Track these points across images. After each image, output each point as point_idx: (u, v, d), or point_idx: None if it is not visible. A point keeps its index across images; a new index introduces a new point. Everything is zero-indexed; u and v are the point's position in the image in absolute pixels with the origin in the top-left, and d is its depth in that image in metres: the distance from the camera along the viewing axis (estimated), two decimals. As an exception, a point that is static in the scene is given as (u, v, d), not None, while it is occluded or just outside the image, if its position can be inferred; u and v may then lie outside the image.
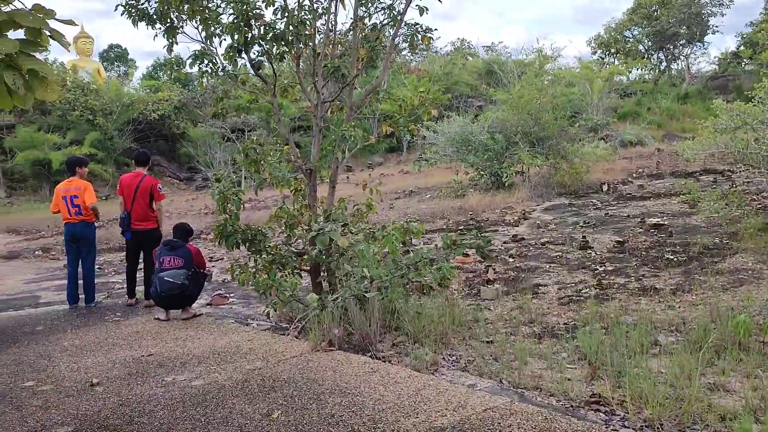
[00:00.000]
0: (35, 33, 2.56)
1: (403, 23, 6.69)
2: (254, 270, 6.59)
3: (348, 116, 6.83)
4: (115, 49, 63.40)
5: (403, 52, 37.03)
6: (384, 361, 5.12)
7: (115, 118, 35.46)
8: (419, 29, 6.68)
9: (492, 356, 5.26)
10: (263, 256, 6.65)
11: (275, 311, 6.55)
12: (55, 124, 34.92)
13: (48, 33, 2.49)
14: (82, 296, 8.01)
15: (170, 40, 6.95)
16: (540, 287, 7.89)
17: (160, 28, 6.92)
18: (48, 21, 2.51)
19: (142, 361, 5.38)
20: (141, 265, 8.11)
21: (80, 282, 7.99)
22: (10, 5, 2.45)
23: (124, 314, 7.34)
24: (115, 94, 37.02)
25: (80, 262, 7.82)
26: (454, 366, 5.08)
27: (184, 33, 6.96)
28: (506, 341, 5.61)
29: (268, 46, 6.33)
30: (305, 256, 6.77)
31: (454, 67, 42.36)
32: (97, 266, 13.77)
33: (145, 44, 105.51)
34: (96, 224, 8.02)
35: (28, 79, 2.51)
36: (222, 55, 6.51)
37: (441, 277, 6.16)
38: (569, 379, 4.50)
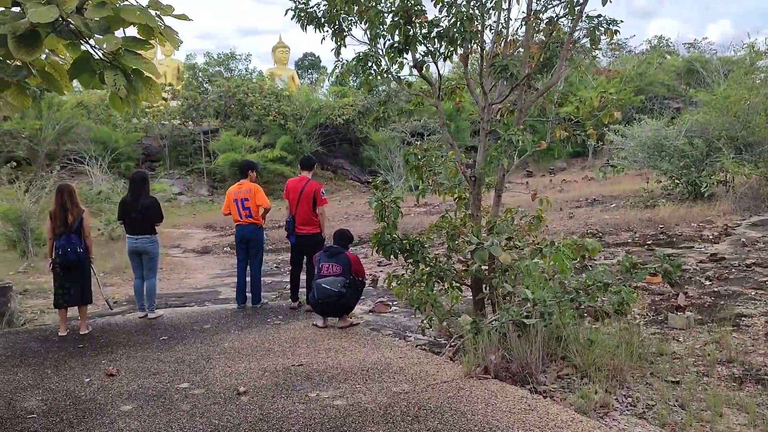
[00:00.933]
0: (147, 31, 2.41)
1: (584, 15, 5.98)
2: (411, 282, 6.26)
3: (517, 119, 6.25)
4: (309, 58, 67.28)
5: (594, 53, 35.00)
6: (545, 397, 4.50)
7: (304, 123, 37.37)
8: (603, 22, 5.92)
9: (677, 402, 4.45)
10: (421, 267, 6.30)
11: (430, 327, 6.16)
12: (252, 129, 37.55)
13: (161, 28, 2.33)
14: (250, 295, 8.20)
15: (338, 43, 6.84)
16: (743, 318, 6.73)
17: (327, 31, 6.84)
18: (163, 17, 2.35)
19: (291, 371, 5.24)
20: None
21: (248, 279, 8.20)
22: (120, 1, 2.30)
23: (285, 318, 7.36)
24: (305, 100, 39.05)
25: (248, 264, 8.00)
26: (628, 410, 4.34)
27: (352, 35, 6.82)
28: (697, 384, 4.75)
29: (431, 45, 5.96)
30: (466, 270, 6.31)
31: (650, 67, 39.30)
32: (274, 265, 14.46)
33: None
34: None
35: (133, 80, 2.36)
36: (383, 55, 6.25)
37: (619, 301, 5.38)
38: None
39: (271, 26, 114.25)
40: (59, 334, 6.83)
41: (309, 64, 66.98)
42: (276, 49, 53.75)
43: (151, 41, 2.38)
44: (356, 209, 25.96)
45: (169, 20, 2.35)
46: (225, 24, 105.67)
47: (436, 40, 5.88)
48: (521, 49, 6.57)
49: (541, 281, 5.30)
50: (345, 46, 6.89)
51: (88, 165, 29.57)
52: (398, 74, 6.41)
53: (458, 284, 6.37)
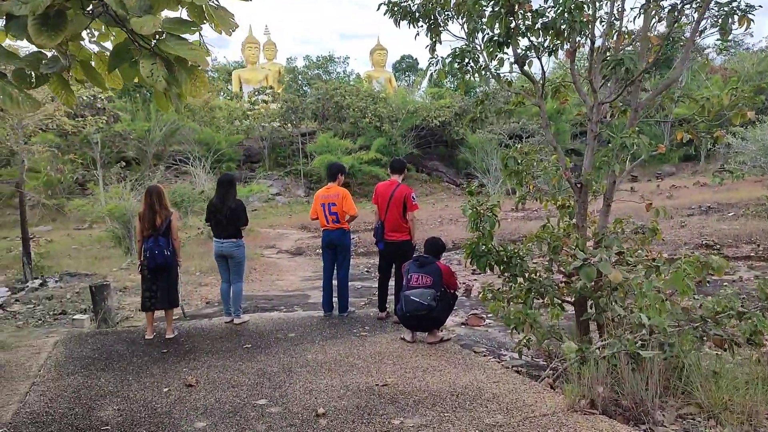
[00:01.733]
0: (196, 11, 2.06)
1: (713, 1, 5.24)
2: (508, 297, 5.73)
3: (631, 120, 5.59)
4: (407, 60, 67.23)
5: (706, 50, 32.73)
6: (663, 441, 3.88)
7: (400, 125, 37.18)
8: (736, 7, 5.16)
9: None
10: (519, 281, 5.76)
11: (528, 349, 5.61)
12: (349, 131, 37.77)
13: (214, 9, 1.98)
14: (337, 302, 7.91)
15: (433, 39, 6.42)
16: None
17: (422, 27, 6.42)
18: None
19: (375, 392, 4.85)
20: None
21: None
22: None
23: (371, 329, 7.00)
24: (401, 101, 38.88)
25: (335, 270, 7.70)
26: (767, 465, 3.65)
27: (448, 31, 6.37)
28: None
29: (535, 38, 5.41)
30: (569, 286, 5.72)
31: (771, 65, 36.45)
32: (365, 269, 14.20)
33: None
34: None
35: (176, 70, 2.02)
36: (481, 51, 5.75)
37: (751, 330, 4.63)
38: None
39: (370, 30, 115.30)
40: (146, 337, 6.78)
41: (407, 66, 66.92)
42: (374, 51, 54.04)
43: (202, 24, 2.05)
44: (451, 213, 25.41)
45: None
46: (326, 29, 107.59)
47: (540, 32, 5.33)
48: (636, 43, 5.91)
49: (658, 303, 4.64)
50: (440, 43, 6.46)
51: (192, 165, 30.58)
52: (497, 71, 5.89)
53: (560, 301, 5.78)
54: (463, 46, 5.99)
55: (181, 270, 7.12)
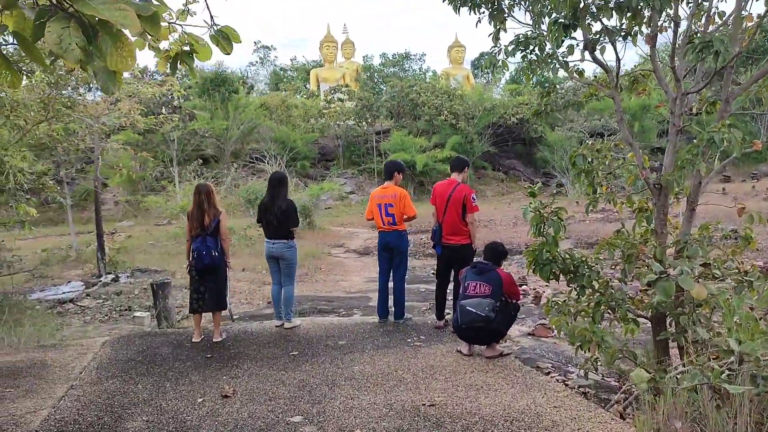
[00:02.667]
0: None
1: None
2: (574, 311, 5.14)
3: (720, 113, 4.89)
4: (486, 56, 66.04)
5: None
6: (754, 493, 3.25)
7: (476, 123, 36.44)
8: None
9: None
10: (588, 293, 5.16)
11: (596, 371, 5.01)
12: (423, 128, 37.32)
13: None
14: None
15: (497, 27, 5.88)
16: None
17: (483, 13, 5.90)
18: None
19: (420, 413, 4.39)
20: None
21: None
22: None
23: (427, 339, 6.53)
24: (478, 99, 38.11)
25: (392, 274, 7.26)
26: None
27: (512, 17, 5.81)
28: None
29: (608, 20, 4.79)
30: (645, 300, 5.08)
31: None
32: (431, 272, 13.71)
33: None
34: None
35: (100, 37, 1.64)
36: (547, 36, 5.18)
37: None
38: None
39: (451, 27, 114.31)
40: (192, 340, 6.57)
41: (485, 63, 65.81)
42: (451, 48, 53.35)
43: None
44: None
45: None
46: (408, 25, 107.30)
47: (614, 12, 4.71)
48: (728, 26, 5.18)
49: (750, 324, 3.97)
50: (505, 31, 5.90)
51: (267, 163, 30.92)
52: (565, 59, 5.30)
53: (634, 316, 5.14)
54: (528, 33, 5.44)
55: (230, 271, 6.87)
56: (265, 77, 63.32)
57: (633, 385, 4.66)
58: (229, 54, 3.86)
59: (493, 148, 37.12)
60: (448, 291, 7.14)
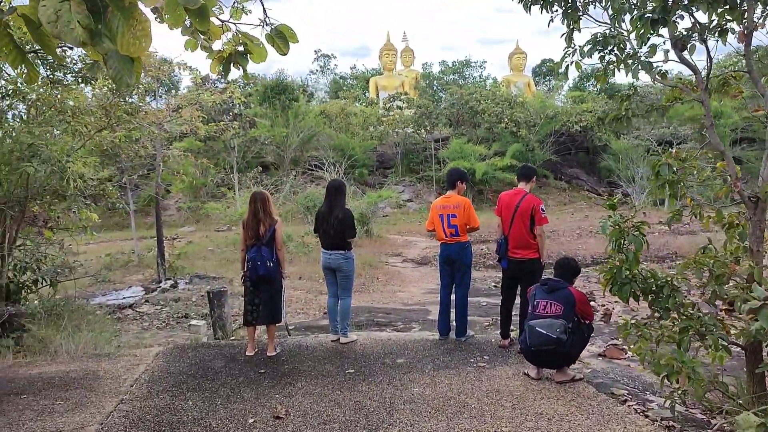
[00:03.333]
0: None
1: None
2: (657, 337, 4.67)
3: (830, 117, 4.36)
4: (547, 64, 64.87)
5: None
6: None
7: (537, 130, 35.62)
8: None
9: None
10: (672, 317, 4.68)
11: (683, 404, 4.53)
12: (483, 136, 36.71)
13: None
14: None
15: (570, 26, 5.47)
16: None
17: (556, 12, 5.50)
18: None
19: (485, 445, 4.02)
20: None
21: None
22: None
23: (491, 359, 6.13)
24: (539, 106, 37.25)
25: (454, 288, 6.88)
26: None
27: (588, 17, 5.40)
28: None
29: (703, 12, 4.33)
30: (737, 327, 4.56)
31: None
32: (493, 284, 13.25)
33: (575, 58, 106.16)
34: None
35: (110, 12, 1.36)
36: (628, 36, 4.74)
37: None
38: None
39: (509, 35, 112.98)
40: (246, 353, 6.34)
41: (547, 70, 64.55)
42: (512, 55, 52.55)
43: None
44: (591, 224, 23.72)
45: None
46: (465, 35, 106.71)
47: (707, 6, 4.25)
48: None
49: None
50: (579, 30, 5.49)
51: (326, 170, 30.94)
52: (648, 59, 4.84)
53: (726, 344, 4.63)
54: (606, 32, 5.01)
55: (286, 282, 6.63)
56: (325, 85, 63.81)
57: (726, 421, 4.18)
58: (285, 54, 3.60)
59: (555, 157, 36.19)
60: (514, 307, 6.72)
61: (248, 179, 25.02)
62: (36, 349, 7.92)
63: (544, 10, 5.53)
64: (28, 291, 9.86)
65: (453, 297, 6.90)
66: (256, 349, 6.44)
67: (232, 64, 3.66)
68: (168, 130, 14.89)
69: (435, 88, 51.61)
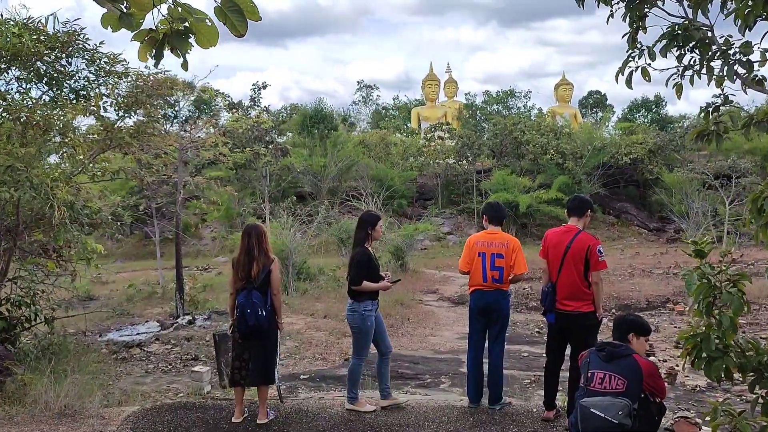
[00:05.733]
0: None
1: None
2: (762, 429, 3.42)
3: None
4: (594, 96, 63.35)
5: None
6: None
7: (584, 162, 34.13)
8: None
9: None
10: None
11: None
12: (527, 168, 35.37)
13: None
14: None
15: (633, 24, 4.34)
16: None
17: (617, 4, 4.38)
18: None
19: None
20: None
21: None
22: None
23: (533, 437, 4.90)
24: (587, 138, 35.83)
25: (487, 344, 5.67)
26: None
27: (658, 6, 4.26)
28: None
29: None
30: None
31: None
32: (536, 329, 11.91)
33: (622, 90, 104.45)
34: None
35: None
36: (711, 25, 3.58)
37: None
38: None
39: (553, 68, 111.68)
40: (233, 419, 5.25)
41: (594, 102, 63.00)
42: (558, 86, 51.33)
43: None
44: (642, 261, 22.12)
45: None
46: (508, 67, 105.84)
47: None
48: None
49: None
50: (644, 30, 4.36)
51: (364, 201, 30.04)
52: (747, 59, 3.66)
53: None
54: (686, 24, 3.87)
55: (282, 335, 5.54)
56: (367, 116, 63.44)
57: None
58: (241, 36, 2.58)
59: (602, 190, 34.51)
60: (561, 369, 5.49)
61: (282, 209, 24.21)
62: (16, 397, 7.03)
63: (603, 3, 4.42)
64: (22, 328, 9.02)
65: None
66: (245, 415, 5.34)
67: (167, 49, 2.65)
68: (189, 156, 14.14)
69: (478, 118, 50.56)
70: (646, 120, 41.06)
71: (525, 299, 15.13)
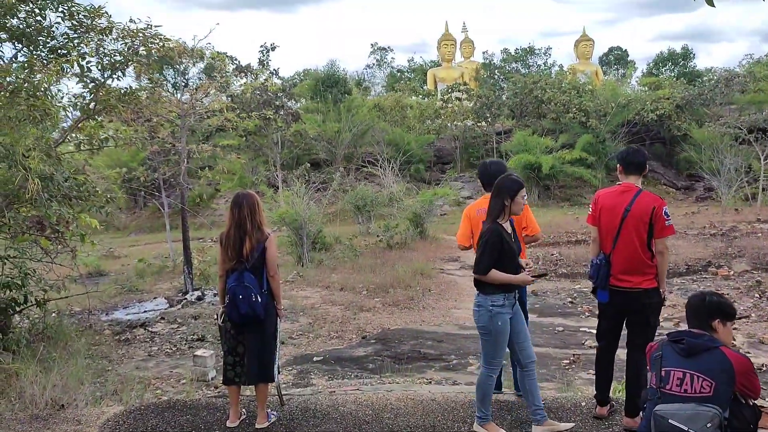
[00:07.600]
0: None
1: None
2: None
3: None
4: (615, 52, 61.32)
5: None
6: None
7: (608, 120, 32.75)
8: None
9: None
10: None
11: None
12: (549, 127, 34.11)
13: None
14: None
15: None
16: None
17: None
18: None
19: None
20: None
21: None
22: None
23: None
24: (610, 94, 34.36)
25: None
26: None
27: None
28: None
29: None
30: None
31: None
32: (568, 298, 11.03)
33: (643, 46, 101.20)
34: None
35: None
36: None
37: None
38: None
39: (572, 27, 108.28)
40: (227, 423, 4.46)
41: (615, 58, 60.97)
42: (579, 43, 49.52)
43: None
44: (675, 222, 20.95)
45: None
46: (525, 27, 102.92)
47: None
48: None
49: None
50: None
51: (380, 167, 29.09)
52: None
53: None
54: None
55: (281, 324, 4.71)
56: (382, 80, 61.94)
57: None
58: None
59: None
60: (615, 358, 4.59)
61: (295, 177, 23.34)
62: (2, 389, 6.36)
63: None
64: (12, 312, 8.34)
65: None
66: (242, 417, 4.55)
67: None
68: (194, 124, 13.26)
69: (496, 77, 48.98)
70: (672, 74, 39.27)
71: (554, 266, 14.20)
